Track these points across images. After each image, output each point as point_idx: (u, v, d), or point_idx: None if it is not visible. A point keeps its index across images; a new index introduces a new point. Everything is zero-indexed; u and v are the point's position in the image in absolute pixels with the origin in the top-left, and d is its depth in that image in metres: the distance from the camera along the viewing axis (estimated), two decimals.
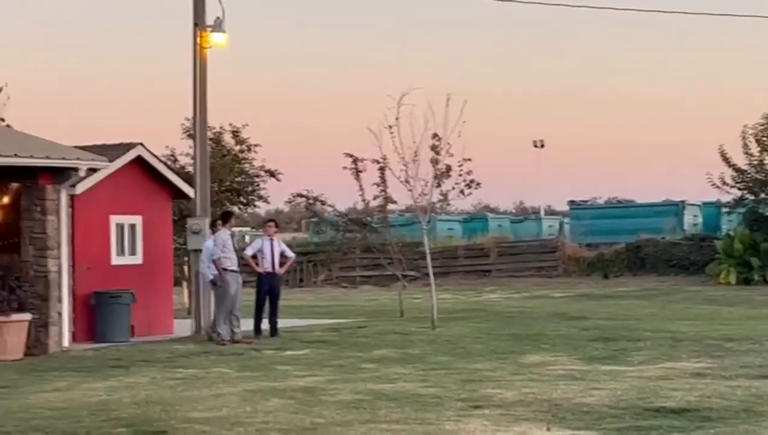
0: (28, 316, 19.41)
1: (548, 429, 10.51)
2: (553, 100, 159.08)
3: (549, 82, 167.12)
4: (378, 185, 29.67)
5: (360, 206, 33.62)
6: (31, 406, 13.68)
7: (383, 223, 33.93)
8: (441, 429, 10.70)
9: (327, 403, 13.54)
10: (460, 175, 25.19)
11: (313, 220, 48.51)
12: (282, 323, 23.75)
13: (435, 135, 23.96)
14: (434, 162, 24.61)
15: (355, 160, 29.59)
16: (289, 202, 40.06)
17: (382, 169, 28.75)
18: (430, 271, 26.04)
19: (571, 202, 67.92)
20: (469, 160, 25.01)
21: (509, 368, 16.84)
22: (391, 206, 32.13)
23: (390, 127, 23.57)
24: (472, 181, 25.55)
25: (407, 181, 24.96)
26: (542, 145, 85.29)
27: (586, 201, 65.32)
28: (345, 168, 30.02)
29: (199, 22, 23.55)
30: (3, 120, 39.90)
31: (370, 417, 12.27)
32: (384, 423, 11.60)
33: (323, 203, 34.68)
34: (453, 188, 25.62)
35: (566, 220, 68.10)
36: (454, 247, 58.74)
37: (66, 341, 20.43)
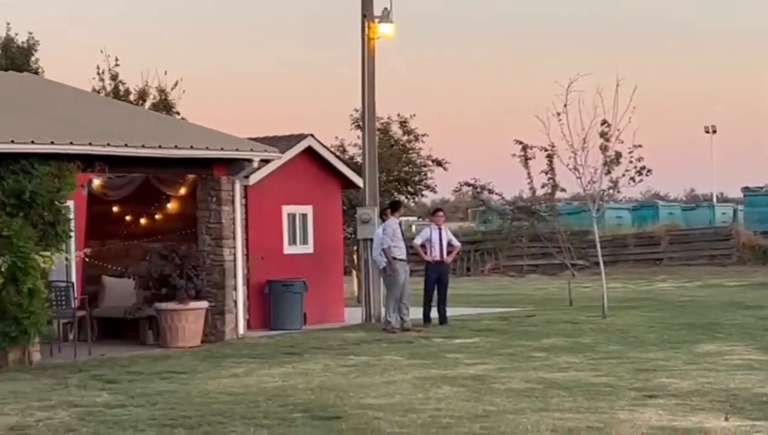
0: (205, 304, 20.04)
1: (727, 419, 10.20)
2: (727, 85, 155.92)
3: (720, 70, 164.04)
4: (546, 173, 29.59)
5: (527, 194, 33.49)
6: (209, 392, 14.08)
7: (551, 212, 33.65)
8: (614, 418, 10.54)
9: (498, 391, 13.56)
10: (631, 162, 24.86)
11: (479, 208, 48.60)
12: (450, 312, 23.74)
13: (604, 121, 23.70)
14: (603, 149, 24.31)
15: (525, 147, 29.43)
16: (456, 191, 40.44)
17: (550, 157, 28.72)
18: (600, 259, 25.84)
19: (746, 189, 65.50)
20: (640, 146, 24.67)
21: (683, 357, 16.56)
22: (558, 194, 31.84)
23: (558, 114, 23.53)
24: (643, 168, 25.13)
25: (576, 169, 24.96)
26: (714, 131, 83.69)
27: (761, 187, 63.24)
28: (514, 155, 29.96)
29: (367, 13, 23.66)
30: (178, 113, 41.17)
31: (542, 405, 12.25)
32: (557, 412, 11.55)
33: (490, 192, 34.54)
34: (623, 175, 25.25)
35: (740, 207, 66.25)
36: (624, 235, 57.67)
37: (241, 328, 20.96)
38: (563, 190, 31.87)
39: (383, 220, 23.05)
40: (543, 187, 30.64)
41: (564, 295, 31.18)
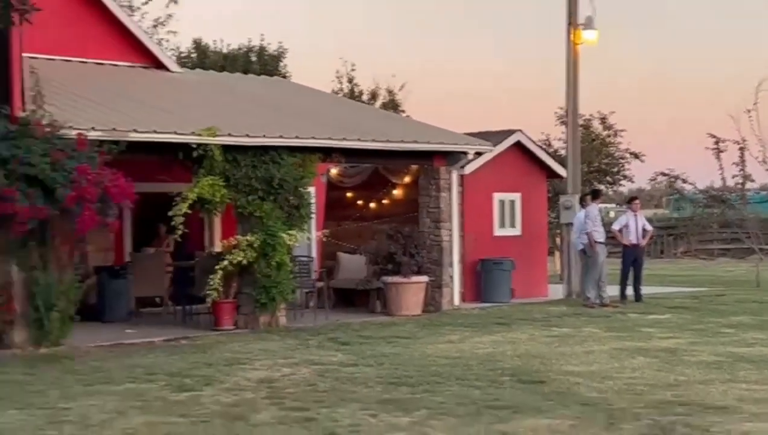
0: (425, 278, 20.29)
1: None
2: None
3: None
4: (737, 165, 30.08)
5: (718, 184, 33.38)
6: (428, 355, 14.34)
7: (741, 200, 33.54)
8: None
9: (688, 363, 13.33)
10: None
11: (673, 196, 48.42)
12: (645, 290, 23.49)
13: None
14: None
15: (717, 141, 29.84)
16: (652, 181, 40.31)
17: (741, 150, 29.16)
18: None
19: None
20: None
21: None
22: (748, 184, 32.00)
23: (748, 111, 23.66)
24: None
25: (765, 162, 25.30)
26: None
27: None
28: (707, 148, 30.36)
29: (572, 21, 23.54)
30: (404, 111, 41.77)
31: (730, 377, 12.00)
32: (743, 383, 11.36)
33: (684, 181, 34.35)
34: None
35: None
36: None
37: (456, 301, 21.23)
38: (752, 180, 32.36)
39: (583, 207, 22.90)
40: (733, 177, 31.11)
41: (752, 277, 30.45)
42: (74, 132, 15.60)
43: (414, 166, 21.40)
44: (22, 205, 14.62)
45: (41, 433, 9.50)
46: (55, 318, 15.57)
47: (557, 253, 27.66)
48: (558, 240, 27.80)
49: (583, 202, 22.86)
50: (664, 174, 34.99)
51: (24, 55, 16.45)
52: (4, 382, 12.47)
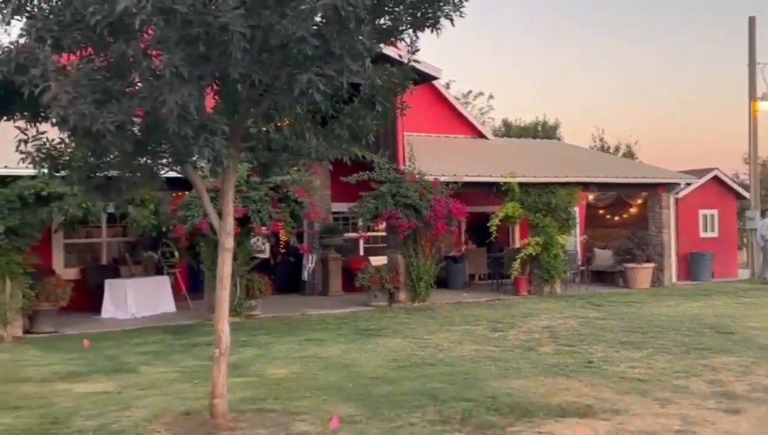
0: (652, 264, 20.38)
1: None
2: None
3: None
4: None
5: None
6: (654, 314, 14.66)
7: None
8: None
9: None
10: None
11: None
12: None
13: None
14: None
15: None
16: None
17: None
18: None
19: None
20: None
21: None
22: None
23: None
24: None
25: None
26: None
27: None
28: None
29: (751, 95, 22.75)
30: (638, 157, 41.90)
31: None
32: None
33: None
34: None
35: None
36: None
37: (674, 279, 21.21)
38: None
39: (762, 218, 22.41)
40: None
41: None
42: (432, 177, 16.86)
43: (644, 193, 21.52)
44: (404, 221, 16.10)
45: (414, 352, 10.70)
46: (423, 285, 16.91)
47: (744, 249, 27.11)
48: (745, 240, 27.11)
49: (763, 215, 22.67)
50: None
51: (404, 133, 17.67)
52: (395, 322, 13.91)
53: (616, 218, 23.11)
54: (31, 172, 12.21)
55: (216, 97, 6.92)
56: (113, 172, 7.37)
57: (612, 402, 7.48)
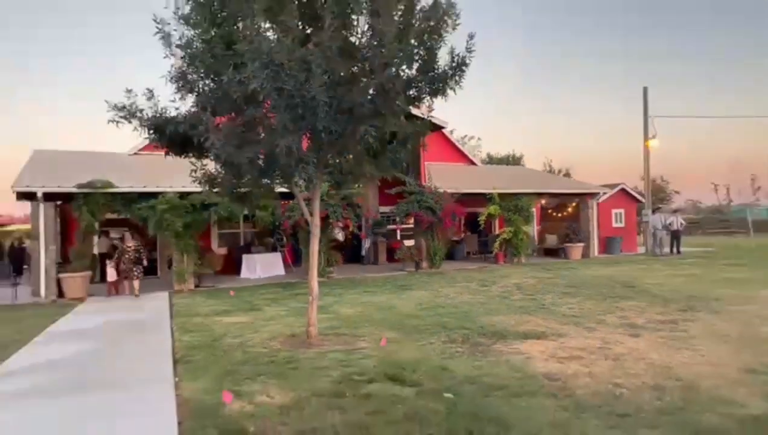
0: (582, 244, 19.49)
1: None
2: None
3: None
4: None
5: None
6: (584, 275, 14.14)
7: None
8: None
9: (700, 277, 12.41)
10: None
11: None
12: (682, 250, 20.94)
13: None
14: None
15: None
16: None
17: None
18: None
19: None
20: None
21: None
22: None
23: None
24: None
25: None
26: None
27: None
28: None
29: (645, 136, 21.42)
30: (572, 176, 40.17)
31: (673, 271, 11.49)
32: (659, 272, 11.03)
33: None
34: None
35: None
36: None
37: (596, 253, 20.03)
38: None
39: (652, 214, 21.17)
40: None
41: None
42: (442, 190, 16.33)
43: (577, 199, 20.66)
44: (425, 217, 15.80)
45: (432, 299, 10.58)
46: (437, 258, 16.43)
47: (641, 234, 26.18)
48: (641, 228, 26.12)
49: (653, 212, 21.83)
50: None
51: (425, 162, 17.38)
52: (420, 281, 13.55)
53: (559, 215, 22.21)
54: (198, 189, 12.75)
55: (308, 141, 6.99)
56: (247, 189, 7.49)
57: (557, 330, 7.35)
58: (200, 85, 6.43)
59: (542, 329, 7.37)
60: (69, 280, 12.18)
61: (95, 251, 13.63)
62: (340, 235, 16.39)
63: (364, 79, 6.15)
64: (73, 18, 79.10)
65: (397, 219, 18.64)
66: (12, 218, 21.25)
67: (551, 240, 21.13)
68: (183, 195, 13.08)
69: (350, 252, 19.83)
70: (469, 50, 6.52)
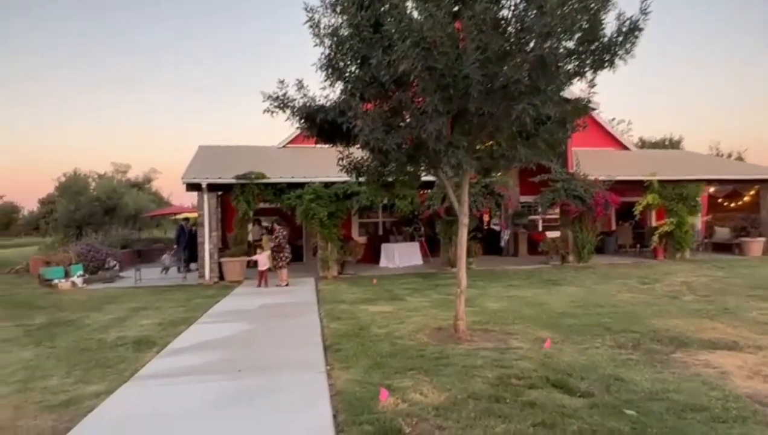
0: (763, 239, 17.07)
1: None
2: None
3: None
4: None
5: None
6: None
7: None
8: None
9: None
10: None
11: None
12: None
13: None
14: None
15: None
16: None
17: None
18: None
19: None
20: None
21: None
22: None
23: None
24: None
25: None
26: None
27: None
28: None
29: None
30: (742, 159, 34.95)
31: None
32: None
33: None
34: None
35: None
36: None
37: None
38: None
39: None
40: None
41: None
42: (593, 177, 15.20)
43: (756, 186, 18.28)
44: (573, 207, 14.75)
45: (586, 296, 9.72)
46: (585, 251, 15.31)
47: None
48: None
49: None
50: None
51: (572, 148, 15.98)
52: (568, 276, 12.65)
53: (732, 205, 19.76)
54: (341, 179, 13.11)
55: (454, 124, 6.59)
56: (392, 177, 7.32)
57: (753, 340, 6.18)
58: (348, 72, 6.33)
59: (732, 338, 6.27)
60: (229, 264, 13.19)
61: (249, 238, 14.61)
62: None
63: (519, 54, 5.60)
64: (231, 18, 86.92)
65: (540, 209, 17.59)
66: (182, 207, 23.90)
67: (722, 233, 18.75)
68: (327, 185, 13.48)
69: (487, 243, 19.19)
70: (644, 12, 5.66)
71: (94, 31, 75.26)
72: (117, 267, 14.87)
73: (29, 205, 47.92)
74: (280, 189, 13.51)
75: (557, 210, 16.36)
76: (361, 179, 7.45)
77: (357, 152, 7.01)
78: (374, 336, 6.69)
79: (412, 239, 17.29)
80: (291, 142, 18.39)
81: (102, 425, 4.10)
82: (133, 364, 5.73)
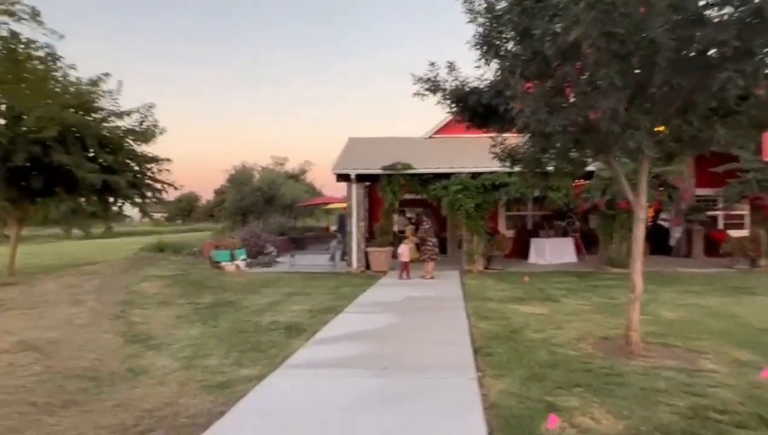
0: None
1: None
2: None
3: None
4: None
5: None
6: None
7: None
8: None
9: None
10: None
11: None
12: None
13: None
14: None
15: None
16: None
17: None
18: None
19: None
20: None
21: None
22: None
23: None
24: None
25: None
26: None
27: None
28: None
29: None
30: None
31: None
32: None
33: None
34: None
35: None
36: None
37: None
38: None
39: None
40: None
41: None
42: None
43: None
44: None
45: None
46: None
47: None
48: None
49: None
50: None
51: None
52: (763, 284, 10.71)
53: None
54: (490, 169, 12.47)
55: (631, 101, 5.61)
56: (551, 165, 6.55)
57: None
58: (505, 49, 5.70)
59: None
60: (375, 254, 13.31)
61: (394, 229, 14.62)
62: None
63: (718, 11, 4.51)
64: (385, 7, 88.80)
65: (723, 203, 15.13)
66: (332, 198, 25.03)
67: None
68: (474, 175, 12.95)
69: (653, 241, 17.08)
70: None
71: (262, 35, 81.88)
72: (274, 253, 15.88)
73: (207, 194, 54.26)
74: (426, 180, 13.29)
75: (745, 205, 14.01)
76: (515, 168, 6.79)
77: (512, 138, 6.38)
78: (529, 341, 6.03)
79: (564, 234, 16.01)
80: (437, 132, 18.09)
81: (253, 414, 4.08)
82: (283, 350, 5.79)
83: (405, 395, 4.36)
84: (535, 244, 15.17)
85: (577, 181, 13.54)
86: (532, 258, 15.03)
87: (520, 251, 15.67)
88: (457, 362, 5.26)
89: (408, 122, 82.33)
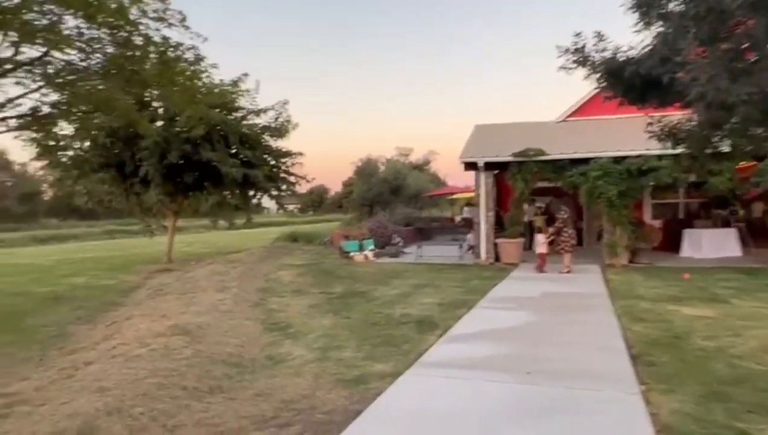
0: None
1: None
2: None
3: None
4: None
5: None
6: None
7: None
8: None
9: None
10: None
11: None
12: None
13: None
14: None
15: None
16: None
17: None
18: None
19: None
20: None
21: None
22: None
23: None
24: None
25: None
26: None
27: None
28: None
29: None
30: None
31: None
32: None
33: None
34: None
35: None
36: None
37: None
38: None
39: None
40: None
41: None
42: None
43: None
44: None
45: None
46: None
47: None
48: None
49: None
50: None
51: None
52: None
53: None
54: (636, 152, 11.22)
55: None
56: (727, 144, 5.52)
57: None
58: (670, 8, 4.85)
59: None
60: (505, 245, 12.66)
61: (525, 219, 13.79)
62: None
63: None
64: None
65: None
66: (456, 187, 24.52)
67: None
68: (617, 160, 11.71)
69: None
70: None
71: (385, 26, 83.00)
72: (401, 243, 15.85)
73: (335, 186, 56.58)
74: (560, 166, 12.30)
75: None
76: (677, 149, 5.85)
77: (674, 114, 5.48)
78: (700, 350, 5.14)
79: (725, 225, 13.94)
80: (570, 115, 16.73)
81: (388, 418, 3.86)
82: (416, 346, 5.55)
83: (555, 409, 3.87)
84: (689, 235, 13.41)
85: (742, 163, 11.70)
86: (686, 251, 13.29)
87: (670, 243, 13.96)
88: (612, 371, 4.61)
89: (535, 108, 78.51)
